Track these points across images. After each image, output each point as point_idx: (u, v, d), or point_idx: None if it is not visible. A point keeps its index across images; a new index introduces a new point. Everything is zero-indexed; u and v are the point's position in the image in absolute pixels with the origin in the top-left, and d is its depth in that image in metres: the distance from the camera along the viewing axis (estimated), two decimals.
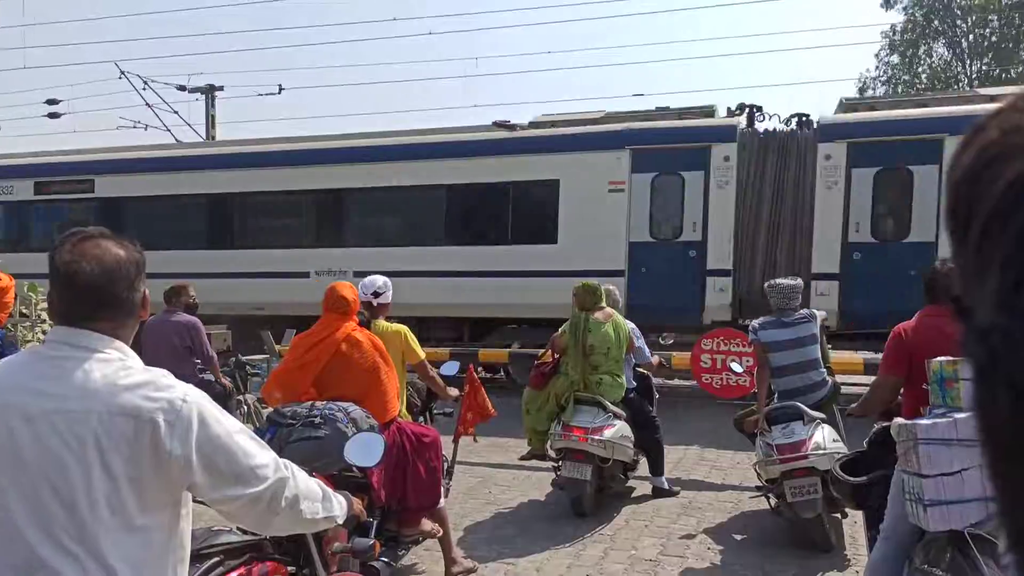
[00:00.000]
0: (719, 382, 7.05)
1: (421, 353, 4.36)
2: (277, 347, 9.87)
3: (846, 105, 10.30)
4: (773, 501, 4.74)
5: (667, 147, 9.78)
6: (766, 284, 5.00)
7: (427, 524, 3.95)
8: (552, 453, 5.41)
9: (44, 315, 7.36)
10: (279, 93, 17.95)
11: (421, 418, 4.72)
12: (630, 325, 5.57)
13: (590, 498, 5.17)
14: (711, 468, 6.55)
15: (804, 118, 9.95)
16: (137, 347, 1.57)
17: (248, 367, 7.64)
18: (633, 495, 5.69)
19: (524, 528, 5.01)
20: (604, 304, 5.46)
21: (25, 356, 1.52)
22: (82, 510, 1.36)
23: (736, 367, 5.83)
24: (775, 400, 4.84)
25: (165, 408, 1.41)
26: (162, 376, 1.47)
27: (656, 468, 5.68)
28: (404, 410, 4.19)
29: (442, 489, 4.08)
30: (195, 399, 1.46)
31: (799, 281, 4.95)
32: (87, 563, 1.35)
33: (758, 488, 4.95)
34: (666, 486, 5.66)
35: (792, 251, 9.56)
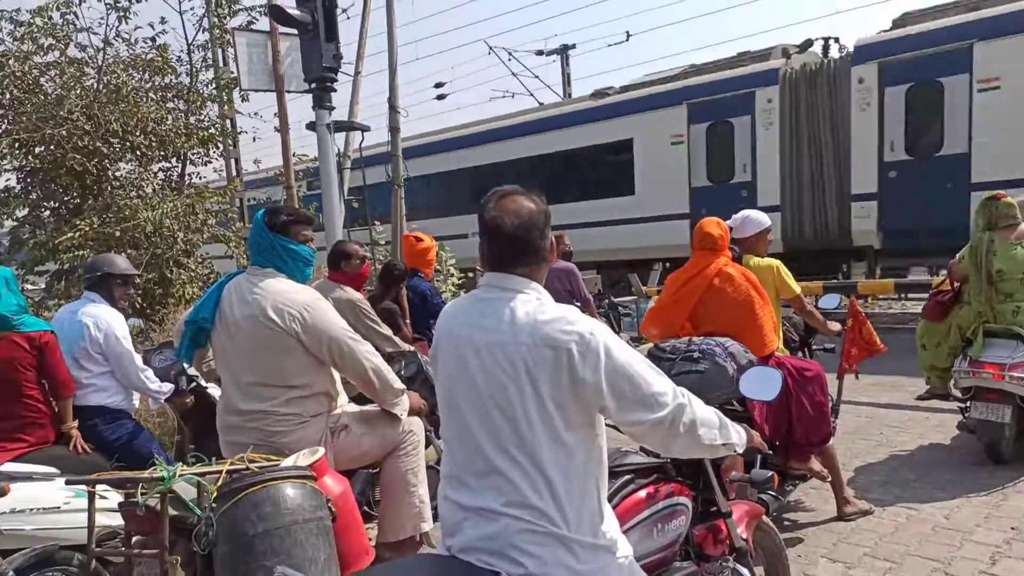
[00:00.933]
0: None
1: (796, 287, 4.17)
2: (644, 288, 10.27)
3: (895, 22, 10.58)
4: None
5: None
6: None
7: (815, 464, 3.83)
8: (957, 392, 4.81)
9: (452, 269, 8.65)
10: (627, 40, 18.30)
11: (800, 353, 4.55)
12: None
13: (1010, 443, 4.49)
14: None
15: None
16: None
17: (620, 308, 8.09)
18: None
19: (925, 472, 4.56)
20: (1018, 221, 4.61)
21: (468, 299, 1.81)
22: (521, 426, 1.60)
23: None
24: None
25: (577, 340, 1.58)
26: (572, 312, 1.66)
27: None
28: (782, 345, 4.08)
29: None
30: (601, 332, 1.62)
31: None
32: (530, 470, 1.59)
33: None
34: None
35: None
